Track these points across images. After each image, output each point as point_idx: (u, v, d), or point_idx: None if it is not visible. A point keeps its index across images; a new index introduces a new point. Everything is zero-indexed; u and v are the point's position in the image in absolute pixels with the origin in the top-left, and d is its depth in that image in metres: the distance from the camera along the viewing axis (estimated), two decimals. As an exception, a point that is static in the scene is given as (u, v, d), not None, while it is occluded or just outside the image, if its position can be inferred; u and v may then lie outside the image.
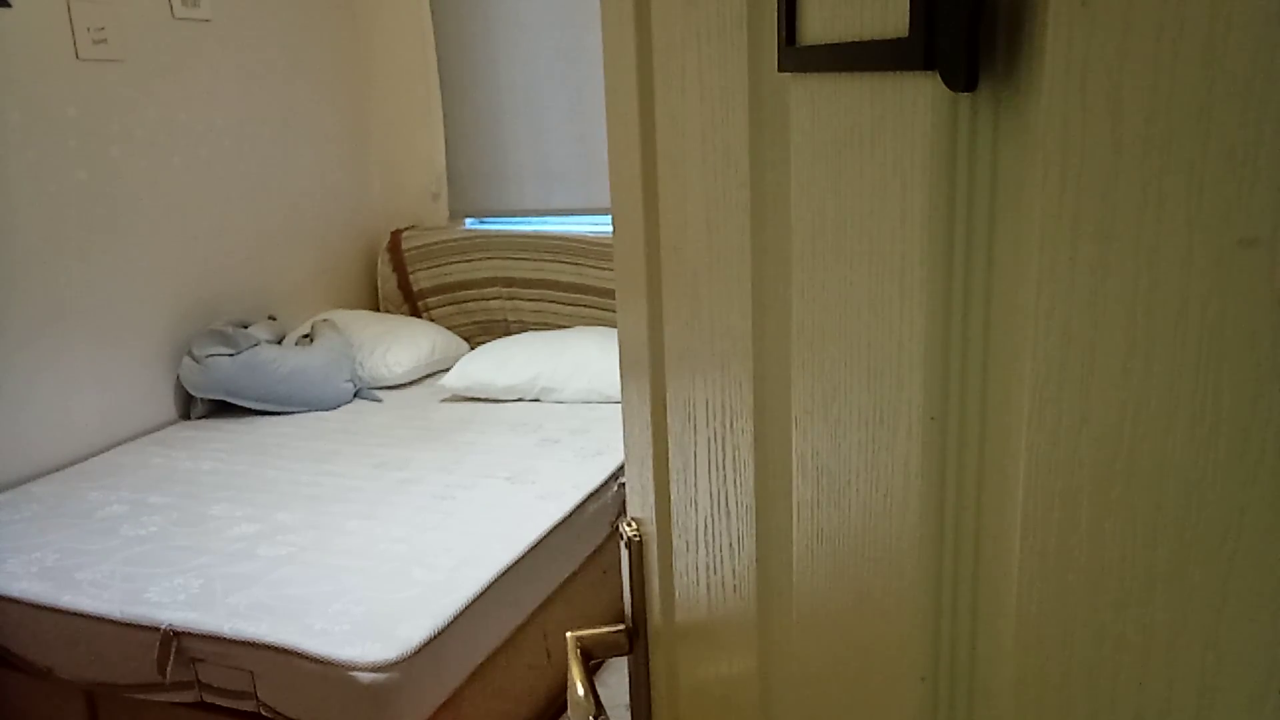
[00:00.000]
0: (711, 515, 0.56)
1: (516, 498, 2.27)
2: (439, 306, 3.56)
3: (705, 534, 0.58)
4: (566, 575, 2.27)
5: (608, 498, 2.43)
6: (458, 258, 3.50)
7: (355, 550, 2.01)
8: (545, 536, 2.13)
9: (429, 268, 3.55)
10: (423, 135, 3.64)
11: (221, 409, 2.95)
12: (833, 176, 0.37)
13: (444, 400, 3.03)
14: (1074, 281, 0.25)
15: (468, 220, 3.71)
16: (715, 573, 0.57)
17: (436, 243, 3.54)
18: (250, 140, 3.15)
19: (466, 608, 1.83)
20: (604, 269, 3.31)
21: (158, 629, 1.77)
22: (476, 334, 3.54)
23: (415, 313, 3.61)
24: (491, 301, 3.48)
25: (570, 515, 2.24)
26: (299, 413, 2.92)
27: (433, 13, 3.49)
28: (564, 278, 3.36)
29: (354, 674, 1.65)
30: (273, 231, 3.27)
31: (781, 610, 0.47)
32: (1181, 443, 0.22)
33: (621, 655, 0.79)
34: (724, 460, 0.53)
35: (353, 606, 1.79)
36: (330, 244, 3.55)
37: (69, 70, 2.56)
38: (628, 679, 0.80)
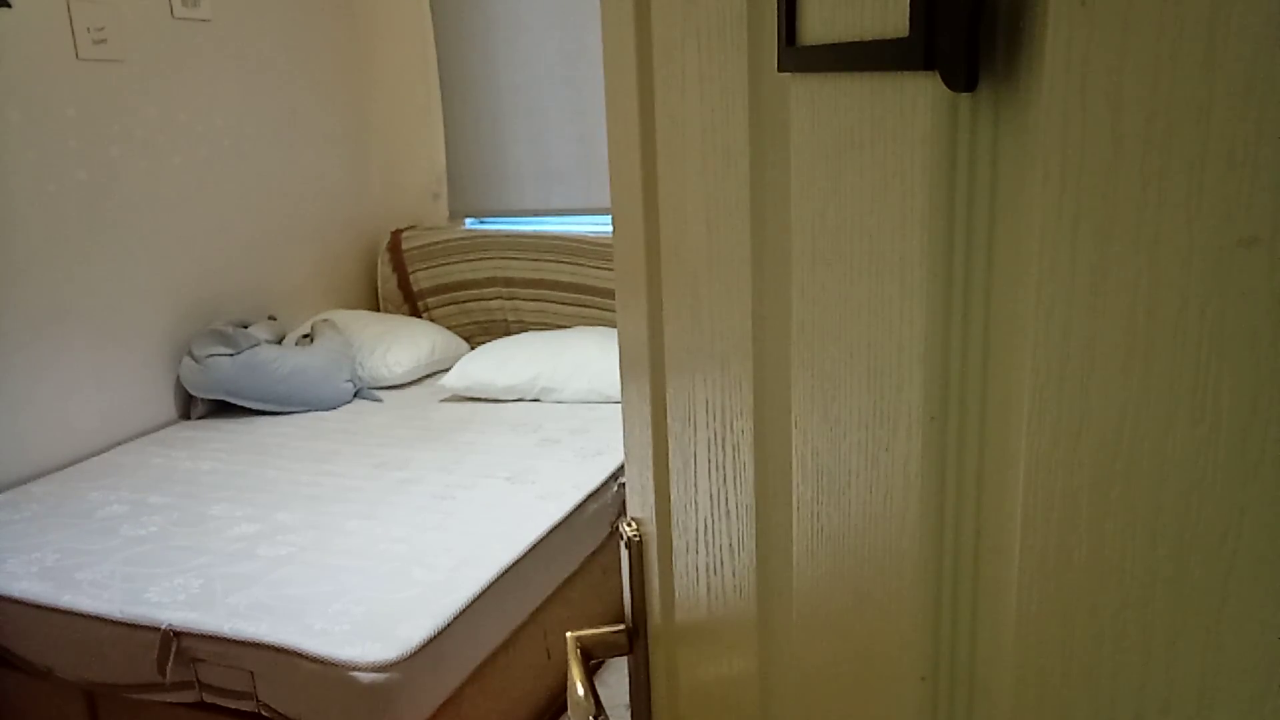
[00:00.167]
0: (711, 515, 0.56)
1: (516, 498, 2.27)
2: (439, 306, 3.56)
3: (705, 534, 0.58)
4: (566, 575, 2.27)
5: (608, 498, 2.43)
6: (458, 258, 3.50)
7: (355, 550, 2.01)
8: (545, 536, 2.13)
9: (429, 268, 3.55)
10: (423, 135, 3.64)
11: (221, 409, 2.95)
12: (833, 176, 0.37)
13: (444, 400, 3.03)
14: (1074, 281, 0.25)
15: (468, 220, 3.71)
16: (715, 573, 0.57)
17: (436, 243, 3.54)
18: (250, 140, 3.15)
19: (466, 608, 1.83)
20: (604, 269, 3.31)
21: (158, 629, 1.77)
22: (476, 334, 3.54)
23: (415, 313, 3.61)
24: (491, 301, 3.48)
25: (570, 515, 2.24)
26: (299, 413, 2.92)
27: (433, 13, 3.49)
28: (564, 278, 3.36)
29: (354, 674, 1.65)
30: (273, 231, 3.27)
31: (781, 610, 0.47)
32: (1181, 443, 0.22)
33: (621, 655, 0.79)
34: (724, 460, 0.53)
35: (353, 606, 1.79)
36: (330, 244, 3.55)
37: (69, 70, 2.56)
38: (628, 679, 0.80)
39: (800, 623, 0.45)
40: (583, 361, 2.98)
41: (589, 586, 2.42)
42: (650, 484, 0.69)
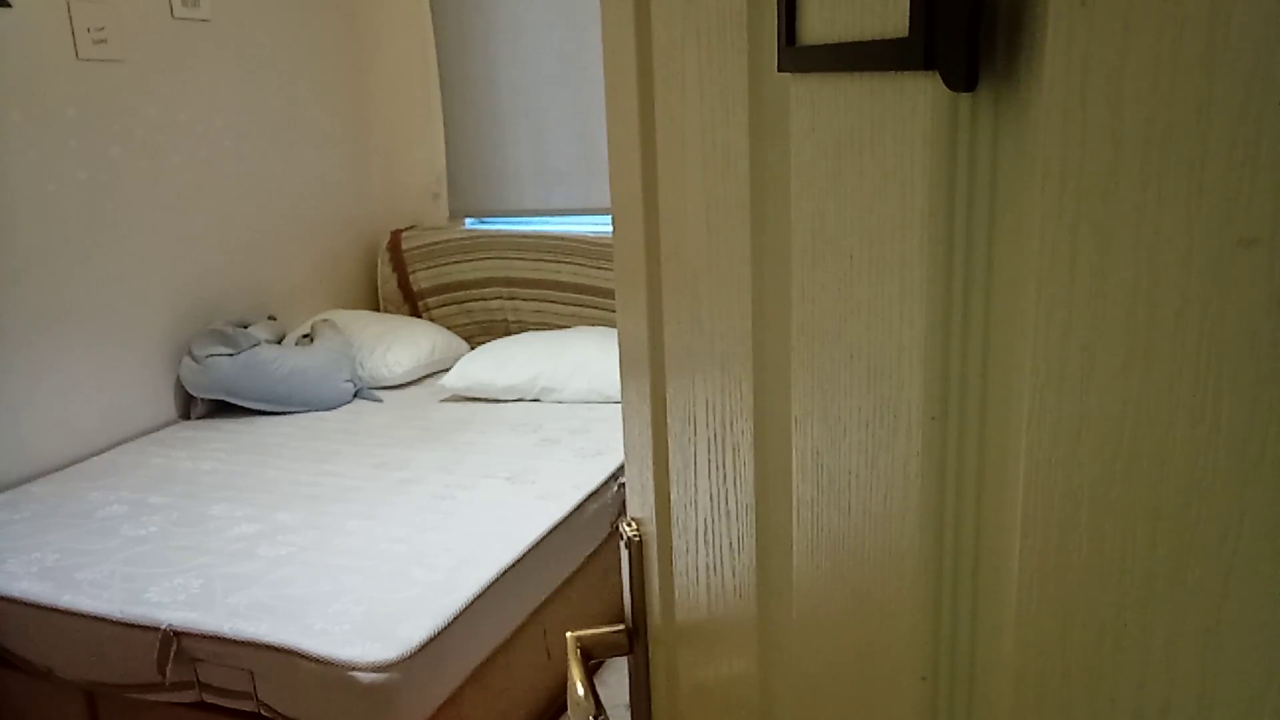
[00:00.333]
0: (711, 515, 0.56)
1: (516, 498, 2.27)
2: (439, 306, 3.56)
3: (705, 534, 0.58)
4: (566, 575, 2.27)
5: (608, 498, 2.43)
6: (458, 258, 3.50)
7: (355, 550, 2.01)
8: (545, 536, 2.13)
9: (429, 268, 3.55)
10: (423, 135, 3.64)
11: (221, 409, 2.95)
12: (833, 176, 0.37)
13: (444, 400, 3.03)
14: (1074, 281, 0.25)
15: (468, 220, 3.71)
16: (715, 573, 0.57)
17: (436, 243, 3.54)
18: (250, 140, 3.15)
19: (466, 608, 1.83)
20: (604, 269, 3.31)
21: (158, 629, 1.78)
22: (476, 334, 3.54)
23: (415, 313, 3.61)
24: (491, 301, 3.48)
25: (570, 515, 2.24)
26: (299, 413, 2.92)
27: (433, 13, 3.49)
28: (564, 278, 3.36)
29: (354, 674, 1.65)
30: (273, 232, 3.27)
31: (781, 610, 0.47)
32: (1181, 443, 0.22)
33: (621, 655, 0.79)
34: (724, 460, 0.53)
35: (353, 606, 1.79)
36: (330, 244, 3.55)
37: (69, 70, 2.56)
38: (628, 679, 0.80)
39: (800, 623, 0.45)
40: (583, 361, 2.98)
41: (589, 586, 2.42)
42: (650, 484, 0.69)
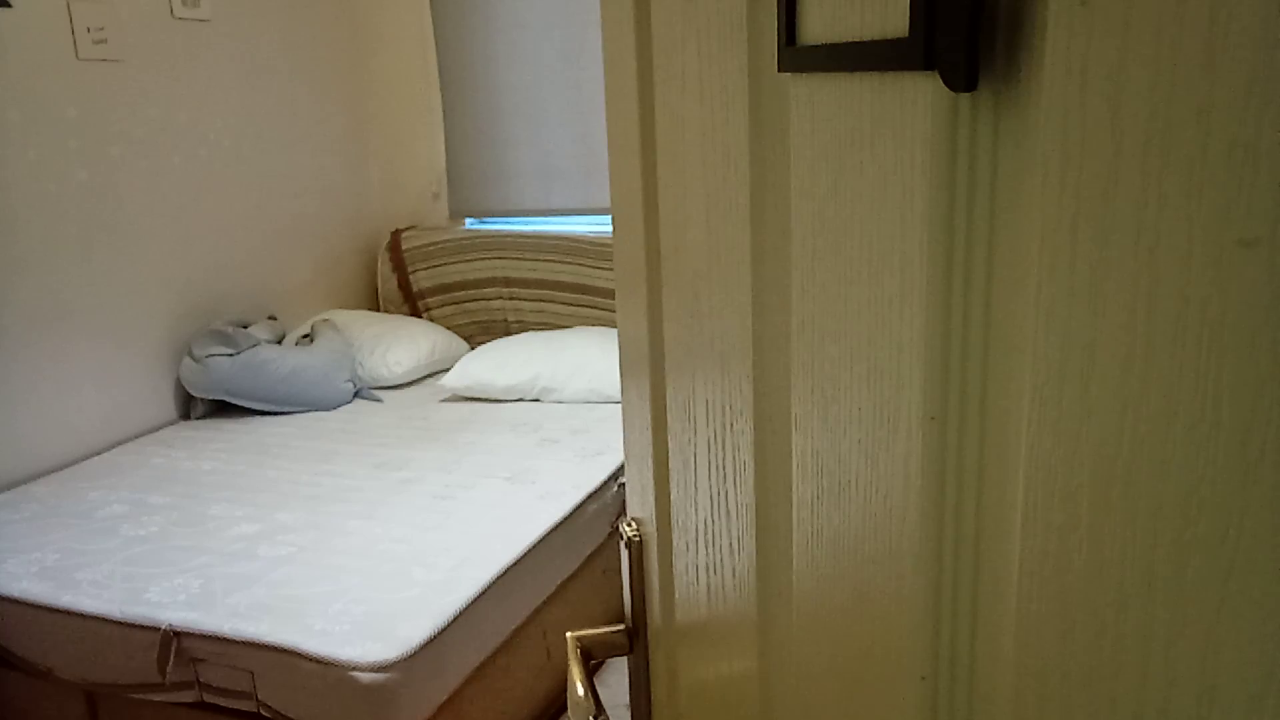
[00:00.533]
0: (711, 515, 0.56)
1: (516, 498, 2.27)
2: (439, 306, 3.56)
3: (705, 534, 0.58)
4: (566, 575, 2.27)
5: (608, 498, 2.43)
6: (458, 258, 3.50)
7: (355, 550, 2.01)
8: (545, 536, 2.13)
9: (429, 268, 3.55)
10: (423, 135, 3.64)
11: (221, 409, 2.95)
12: (833, 176, 0.37)
13: (444, 400, 3.03)
14: (1074, 281, 0.25)
15: (468, 220, 3.71)
16: (715, 573, 0.57)
17: (436, 243, 3.54)
18: (250, 140, 3.15)
19: (466, 608, 1.83)
20: (604, 269, 3.31)
21: (158, 629, 1.77)
22: (476, 334, 3.54)
23: (415, 313, 3.61)
24: (492, 301, 3.48)
25: (570, 515, 2.24)
26: (299, 413, 2.92)
27: (433, 13, 3.49)
28: (564, 278, 3.36)
29: (354, 674, 1.65)
30: (273, 231, 3.27)
31: (781, 610, 0.47)
32: (1181, 443, 0.22)
33: (621, 655, 0.79)
34: (724, 460, 0.53)
35: (353, 606, 1.79)
36: (330, 244, 3.55)
37: (69, 70, 2.56)
38: (628, 679, 0.80)
39: (800, 623, 0.45)
40: (583, 361, 2.98)
41: (589, 586, 2.42)
42: (650, 484, 0.69)
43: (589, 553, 2.36)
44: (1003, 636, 0.29)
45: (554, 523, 2.17)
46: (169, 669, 1.77)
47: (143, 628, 1.79)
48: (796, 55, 0.38)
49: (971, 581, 0.31)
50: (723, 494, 0.54)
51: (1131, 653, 0.24)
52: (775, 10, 0.41)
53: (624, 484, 0.91)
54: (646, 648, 0.77)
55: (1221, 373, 0.21)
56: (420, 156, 3.67)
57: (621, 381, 0.75)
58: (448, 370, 3.17)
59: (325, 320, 3.19)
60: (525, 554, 2.04)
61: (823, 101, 0.37)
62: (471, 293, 3.50)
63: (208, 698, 1.81)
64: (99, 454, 2.65)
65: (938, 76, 0.29)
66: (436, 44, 3.51)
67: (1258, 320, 0.20)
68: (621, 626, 0.79)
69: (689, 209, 0.54)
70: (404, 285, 3.60)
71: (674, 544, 0.66)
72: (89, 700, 1.97)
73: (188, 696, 1.81)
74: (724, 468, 0.53)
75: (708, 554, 0.58)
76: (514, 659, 2.10)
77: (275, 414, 2.91)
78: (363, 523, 2.14)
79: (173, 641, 1.77)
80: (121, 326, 2.74)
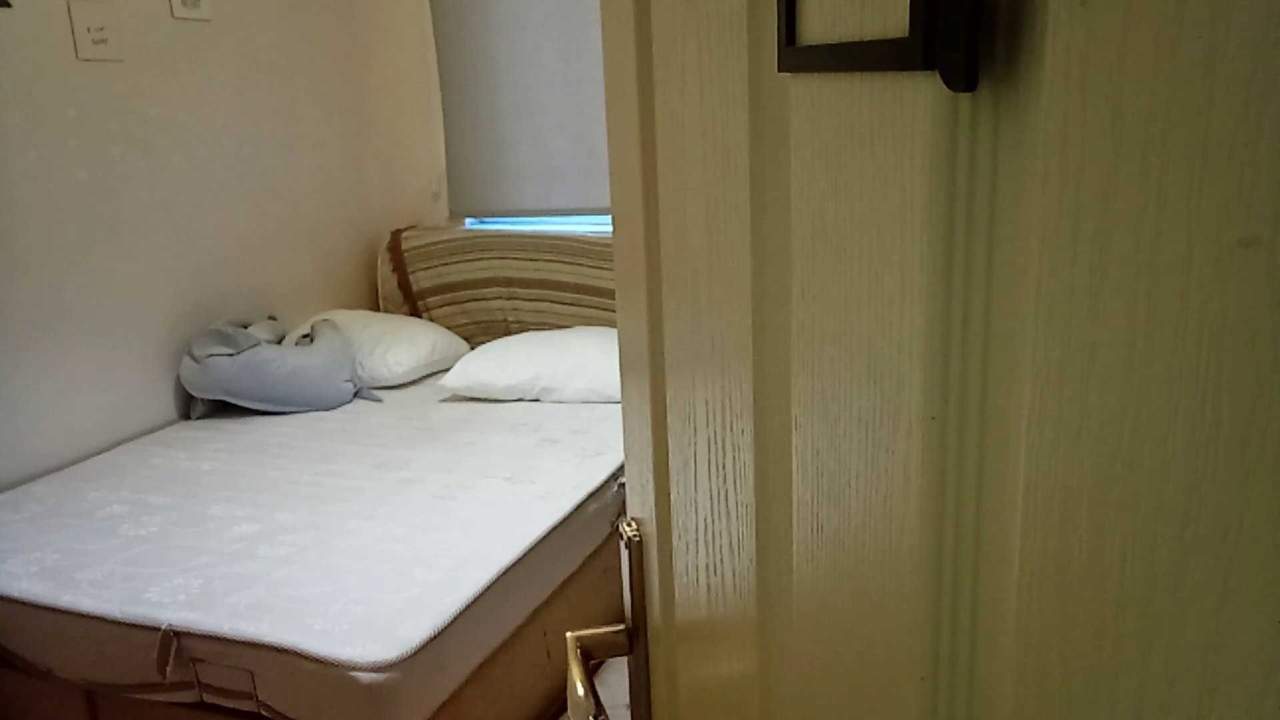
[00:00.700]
0: (711, 515, 0.56)
1: (516, 498, 2.27)
2: (439, 306, 3.56)
3: (705, 534, 0.58)
4: (566, 575, 2.27)
5: (608, 498, 2.43)
6: (458, 258, 3.50)
7: (355, 550, 2.01)
8: (545, 536, 2.13)
9: (429, 268, 3.55)
10: (423, 135, 3.64)
11: (221, 409, 2.95)
12: (833, 176, 0.37)
13: (444, 400, 3.03)
14: (1074, 281, 0.25)
15: (468, 220, 3.71)
16: (715, 573, 0.57)
17: (436, 243, 3.54)
18: (250, 140, 3.15)
19: (466, 608, 1.83)
20: (604, 269, 3.31)
21: (158, 629, 1.78)
22: (476, 334, 3.54)
23: (415, 313, 3.61)
24: (491, 301, 3.48)
25: (570, 515, 2.24)
26: (299, 413, 2.92)
27: (433, 13, 3.49)
28: (564, 278, 3.36)
29: (354, 674, 1.65)
30: (273, 232, 3.27)
31: (781, 610, 0.47)
32: (1181, 443, 0.22)
33: (621, 655, 0.79)
34: (724, 460, 0.53)
35: (353, 606, 1.79)
36: (330, 244, 3.55)
37: (69, 70, 2.56)
38: (628, 679, 0.80)
39: (800, 623, 0.45)
40: (583, 361, 2.98)
41: (589, 586, 2.42)
42: (650, 484, 0.69)
43: (589, 553, 2.36)
44: (1003, 636, 0.29)
45: (554, 523, 2.17)
46: (169, 669, 1.77)
47: (143, 628, 1.79)
48: (796, 55, 0.38)
49: (971, 581, 0.31)
50: (723, 494, 0.54)
51: (1131, 653, 0.24)
52: (775, 10, 0.41)
53: (624, 484, 0.91)
54: (646, 648, 0.77)
55: (1221, 373, 0.21)
56: (420, 156, 3.67)
57: (621, 381, 0.75)
58: (448, 370, 3.17)
59: (325, 320, 3.19)
60: (525, 554, 2.04)
61: (823, 101, 0.37)
62: (471, 293, 3.50)
63: (208, 698, 1.81)
64: (99, 454, 2.65)
65: (938, 76, 0.29)
66: (436, 44, 3.51)
67: (1258, 320, 0.20)
68: (621, 626, 0.79)
69: (689, 209, 0.54)
70: (404, 285, 3.60)
71: (674, 544, 0.66)
72: (89, 700, 1.97)
73: (188, 696, 1.81)
74: (724, 468, 0.53)
75: (708, 554, 0.58)
76: (514, 659, 2.10)
77: (275, 414, 2.91)
78: (363, 523, 2.14)
79: (173, 641, 1.77)
80: (121, 326, 2.74)
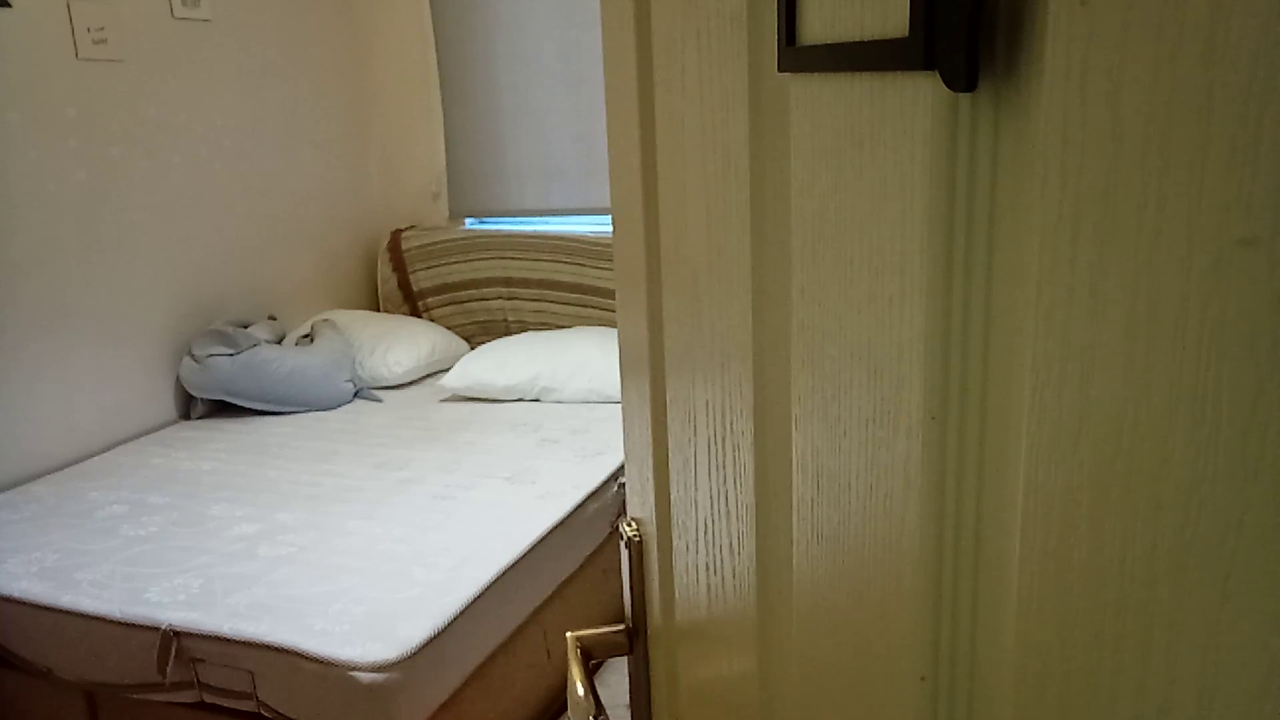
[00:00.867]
0: (711, 515, 0.56)
1: (516, 498, 2.27)
2: (439, 306, 3.56)
3: (705, 534, 0.58)
4: (566, 575, 2.27)
5: (608, 498, 2.43)
6: (458, 258, 3.50)
7: (355, 550, 2.01)
8: (545, 536, 2.13)
9: (429, 268, 3.55)
10: (423, 135, 3.64)
11: (221, 409, 2.95)
12: (833, 176, 0.37)
13: (444, 400, 3.03)
14: (1074, 281, 0.25)
15: (468, 220, 3.71)
16: (715, 573, 0.57)
17: (436, 243, 3.54)
18: (250, 140, 3.15)
19: (466, 608, 1.83)
20: (604, 269, 3.31)
21: (158, 629, 1.77)
22: (476, 334, 3.54)
23: (415, 313, 3.61)
24: (491, 301, 3.48)
25: (570, 515, 2.24)
26: (299, 413, 2.92)
27: (433, 13, 3.49)
28: (564, 278, 3.36)
29: (354, 674, 1.65)
30: (273, 232, 3.27)
31: (781, 610, 0.47)
32: (1181, 443, 0.22)
33: (621, 655, 0.79)
34: (724, 460, 0.53)
35: (353, 606, 1.79)
36: (330, 244, 3.55)
37: (69, 70, 2.56)
38: (628, 679, 0.80)
39: (800, 623, 0.45)
40: (583, 361, 2.98)
41: (589, 586, 2.42)
42: (650, 484, 0.69)
43: (589, 553, 2.36)
44: (1003, 636, 0.29)
45: (554, 523, 2.17)
46: (169, 669, 1.77)
47: (143, 628, 1.79)
48: (796, 55, 0.38)
49: (971, 581, 0.31)
50: (723, 494, 0.54)
51: (1131, 652, 0.24)
52: (775, 10, 0.41)
53: (624, 484, 0.91)
54: (646, 648, 0.77)
55: (1221, 373, 0.21)
56: (420, 156, 3.67)
57: (621, 381, 0.75)
58: (448, 370, 3.17)
59: (325, 320, 3.19)
60: (525, 554, 2.04)
61: (823, 101, 0.37)
62: (471, 293, 3.50)
63: (208, 698, 1.81)
64: (99, 454, 2.65)
65: (938, 76, 0.29)
66: (436, 44, 3.51)
67: (1258, 320, 0.20)
68: (621, 626, 0.79)
69: (689, 209, 0.54)
70: (404, 285, 3.60)
71: (674, 544, 0.66)
72: (89, 700, 1.97)
73: (188, 696, 1.81)
74: (724, 468, 0.53)
75: (708, 554, 0.58)
76: (514, 659, 2.10)
77: (275, 414, 2.91)
78: (363, 523, 2.14)
79: (173, 641, 1.77)
80: (121, 326, 2.74)
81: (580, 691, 0.74)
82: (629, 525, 0.76)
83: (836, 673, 0.41)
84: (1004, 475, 0.29)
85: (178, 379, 2.91)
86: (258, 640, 1.71)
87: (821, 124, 0.37)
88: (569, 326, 3.35)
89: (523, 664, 2.15)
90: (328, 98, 3.47)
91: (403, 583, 1.87)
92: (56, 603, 1.87)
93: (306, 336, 3.11)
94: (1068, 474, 0.26)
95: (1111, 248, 0.23)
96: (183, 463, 2.54)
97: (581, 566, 2.34)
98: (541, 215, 3.56)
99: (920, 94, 0.30)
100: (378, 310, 3.71)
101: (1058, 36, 0.24)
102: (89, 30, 2.59)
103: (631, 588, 0.76)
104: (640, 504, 0.74)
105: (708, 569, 0.58)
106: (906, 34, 0.29)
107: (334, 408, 2.97)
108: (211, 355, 2.83)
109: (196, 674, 1.79)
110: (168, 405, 2.90)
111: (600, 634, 0.79)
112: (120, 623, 1.81)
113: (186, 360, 2.85)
